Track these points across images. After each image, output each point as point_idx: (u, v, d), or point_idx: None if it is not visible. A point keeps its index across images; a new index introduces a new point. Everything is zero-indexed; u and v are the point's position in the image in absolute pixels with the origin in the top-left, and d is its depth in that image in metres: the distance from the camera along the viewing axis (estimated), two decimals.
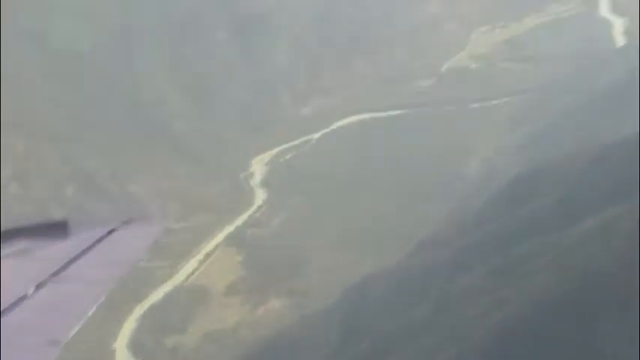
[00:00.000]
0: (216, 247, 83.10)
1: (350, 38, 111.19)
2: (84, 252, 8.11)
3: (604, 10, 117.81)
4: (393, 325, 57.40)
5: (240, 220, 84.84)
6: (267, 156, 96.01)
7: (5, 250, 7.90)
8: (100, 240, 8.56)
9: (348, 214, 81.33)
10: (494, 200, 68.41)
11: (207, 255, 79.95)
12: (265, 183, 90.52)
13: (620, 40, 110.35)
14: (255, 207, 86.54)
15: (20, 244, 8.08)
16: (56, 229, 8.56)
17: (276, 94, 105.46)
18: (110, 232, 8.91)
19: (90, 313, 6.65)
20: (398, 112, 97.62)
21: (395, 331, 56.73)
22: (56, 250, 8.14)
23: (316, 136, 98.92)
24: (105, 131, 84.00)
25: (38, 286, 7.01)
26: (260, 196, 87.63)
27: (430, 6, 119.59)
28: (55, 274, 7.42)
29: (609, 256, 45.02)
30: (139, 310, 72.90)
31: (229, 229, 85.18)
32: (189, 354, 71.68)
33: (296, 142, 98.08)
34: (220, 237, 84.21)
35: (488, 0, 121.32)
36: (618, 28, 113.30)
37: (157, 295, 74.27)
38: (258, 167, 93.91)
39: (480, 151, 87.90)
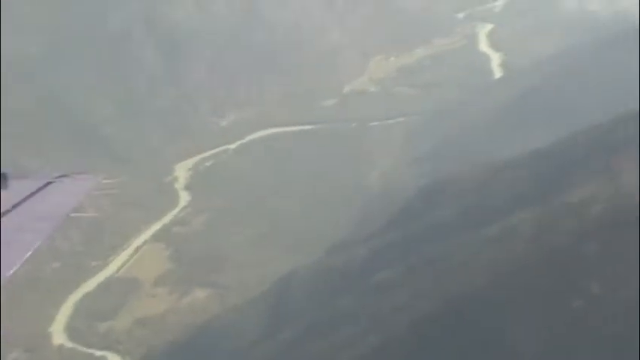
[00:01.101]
0: (145, 242, 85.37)
1: (263, 59, 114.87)
2: (22, 201, 8.58)
3: (483, 45, 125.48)
4: (316, 315, 61.45)
5: (166, 219, 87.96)
6: (189, 162, 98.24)
7: None
8: (37, 191, 9.07)
9: (264, 216, 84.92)
10: (405, 206, 72.99)
11: (137, 249, 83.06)
12: (188, 186, 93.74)
13: (497, 72, 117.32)
14: (179, 207, 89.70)
15: None
16: None
17: (196, 106, 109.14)
18: (47, 185, 9.41)
19: (26, 257, 7.44)
20: (306, 127, 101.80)
21: (318, 321, 60.03)
22: None
23: (233, 146, 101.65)
24: (38, 133, 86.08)
25: None
26: (184, 198, 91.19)
27: (333, 35, 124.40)
28: None
29: (511, 258, 49.05)
30: (73, 298, 74.92)
31: (157, 226, 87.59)
32: (121, 337, 73.96)
33: (215, 151, 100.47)
34: (148, 233, 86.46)
35: (383, 32, 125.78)
36: (496, 60, 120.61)
37: (90, 285, 76.44)
38: (181, 172, 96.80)
39: (380, 163, 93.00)
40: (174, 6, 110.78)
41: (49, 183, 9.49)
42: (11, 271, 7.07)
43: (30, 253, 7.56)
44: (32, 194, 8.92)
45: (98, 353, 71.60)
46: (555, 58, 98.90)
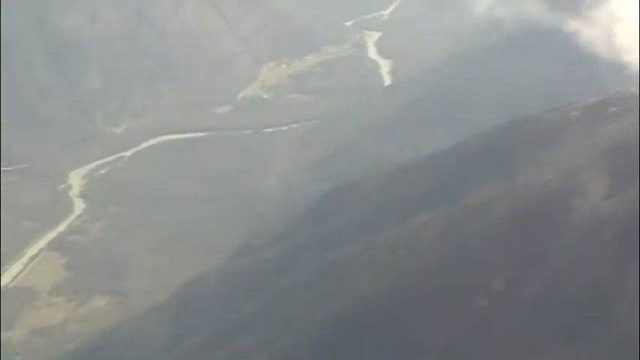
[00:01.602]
0: (40, 251, 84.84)
1: (156, 67, 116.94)
2: None
3: (372, 52, 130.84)
4: (226, 318, 61.28)
5: (61, 227, 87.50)
6: (83, 170, 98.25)
7: None
8: None
9: (163, 221, 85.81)
10: (307, 210, 73.82)
11: (32, 258, 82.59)
12: (83, 194, 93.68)
13: (387, 79, 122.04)
14: (75, 215, 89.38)
15: None
16: None
17: (90, 115, 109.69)
18: None
19: None
20: (200, 134, 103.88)
21: (229, 324, 60.17)
22: None
23: (128, 153, 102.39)
24: None
25: None
26: (79, 206, 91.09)
27: (226, 43, 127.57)
28: None
29: (416, 258, 50.70)
30: None
31: (52, 235, 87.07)
32: (19, 348, 73.02)
33: (110, 159, 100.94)
34: (43, 242, 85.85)
35: (275, 39, 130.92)
36: (385, 68, 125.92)
37: None
38: (75, 180, 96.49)
39: (276, 168, 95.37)
40: (66, 14, 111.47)
41: None
42: None
43: None
44: None
45: None
46: (446, 63, 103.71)
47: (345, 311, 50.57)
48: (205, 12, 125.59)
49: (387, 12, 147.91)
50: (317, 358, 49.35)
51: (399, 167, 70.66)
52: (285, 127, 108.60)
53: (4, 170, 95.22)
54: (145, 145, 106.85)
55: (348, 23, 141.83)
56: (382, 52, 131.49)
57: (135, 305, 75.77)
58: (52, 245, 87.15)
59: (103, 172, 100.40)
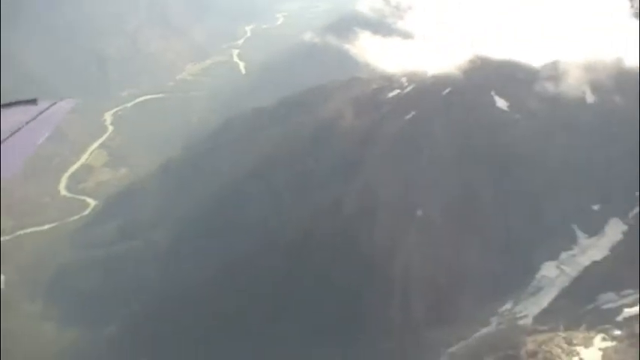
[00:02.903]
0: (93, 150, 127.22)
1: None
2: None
3: (235, 58, 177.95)
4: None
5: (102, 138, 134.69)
6: (111, 112, 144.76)
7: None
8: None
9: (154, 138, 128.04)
10: (212, 133, 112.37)
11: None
12: (113, 123, 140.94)
13: (243, 70, 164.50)
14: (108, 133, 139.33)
15: None
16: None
17: (109, 86, 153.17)
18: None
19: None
20: (162, 94, 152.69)
21: None
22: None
23: (129, 104, 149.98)
24: None
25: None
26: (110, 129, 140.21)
27: (154, 42, 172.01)
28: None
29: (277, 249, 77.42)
30: None
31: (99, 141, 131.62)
32: None
33: (121, 107, 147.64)
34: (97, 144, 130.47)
35: (188, 43, 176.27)
36: (241, 65, 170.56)
37: None
38: (107, 116, 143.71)
39: (196, 112, 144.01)
40: None
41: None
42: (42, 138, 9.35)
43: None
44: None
45: None
46: (275, 61, 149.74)
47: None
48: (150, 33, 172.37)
49: (240, 41, 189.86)
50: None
51: (256, 109, 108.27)
52: (195, 92, 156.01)
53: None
54: (136, 100, 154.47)
55: (223, 45, 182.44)
56: (240, 58, 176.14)
57: None
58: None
59: (120, 113, 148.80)
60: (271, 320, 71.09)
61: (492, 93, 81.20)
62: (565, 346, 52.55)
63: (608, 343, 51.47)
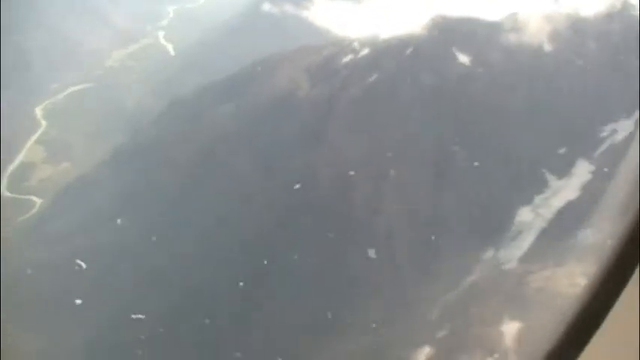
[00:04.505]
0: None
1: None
2: None
3: (162, 40, 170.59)
4: None
5: None
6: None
7: None
8: None
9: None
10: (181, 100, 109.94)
11: None
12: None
13: (172, 51, 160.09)
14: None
15: None
16: None
17: (39, 72, 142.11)
18: None
19: None
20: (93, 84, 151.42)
21: None
22: None
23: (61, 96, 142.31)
24: None
25: None
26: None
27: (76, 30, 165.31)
28: None
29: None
30: None
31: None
32: None
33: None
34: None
35: (111, 28, 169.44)
36: (170, 47, 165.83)
37: None
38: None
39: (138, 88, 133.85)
40: None
41: None
42: None
43: None
44: None
45: None
46: (208, 38, 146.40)
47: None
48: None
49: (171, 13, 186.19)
50: None
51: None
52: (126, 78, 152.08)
53: None
54: (66, 92, 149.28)
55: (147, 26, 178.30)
56: (167, 39, 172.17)
57: None
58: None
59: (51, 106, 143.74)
60: (246, 320, 70.31)
61: (454, 49, 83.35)
62: (566, 280, 54.92)
63: None
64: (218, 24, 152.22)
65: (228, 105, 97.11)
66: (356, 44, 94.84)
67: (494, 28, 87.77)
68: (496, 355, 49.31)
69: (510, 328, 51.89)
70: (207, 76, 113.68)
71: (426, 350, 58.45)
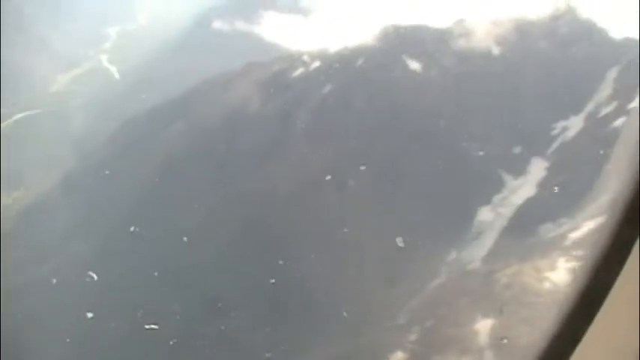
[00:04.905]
0: None
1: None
2: None
3: (106, 63, 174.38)
4: None
5: None
6: None
7: None
8: None
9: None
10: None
11: None
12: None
13: (116, 75, 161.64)
14: None
15: None
16: None
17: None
18: None
19: None
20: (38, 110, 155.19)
21: None
22: None
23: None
24: None
25: None
26: None
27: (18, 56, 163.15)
28: None
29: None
30: None
31: None
32: None
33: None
34: None
35: (54, 53, 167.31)
36: (114, 69, 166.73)
37: None
38: None
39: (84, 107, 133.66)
40: None
41: None
42: None
43: None
44: None
45: None
46: (152, 60, 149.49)
47: None
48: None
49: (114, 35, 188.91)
50: None
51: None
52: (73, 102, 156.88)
53: None
54: (13, 118, 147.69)
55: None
56: (111, 62, 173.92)
57: None
58: None
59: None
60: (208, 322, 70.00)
61: (404, 57, 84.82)
62: (534, 274, 56.42)
63: (574, 264, 55.46)
64: (164, 44, 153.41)
65: (181, 123, 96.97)
66: (306, 57, 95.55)
67: (443, 34, 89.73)
68: (472, 354, 49.69)
69: (484, 326, 52.05)
70: (156, 96, 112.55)
71: (399, 355, 57.83)
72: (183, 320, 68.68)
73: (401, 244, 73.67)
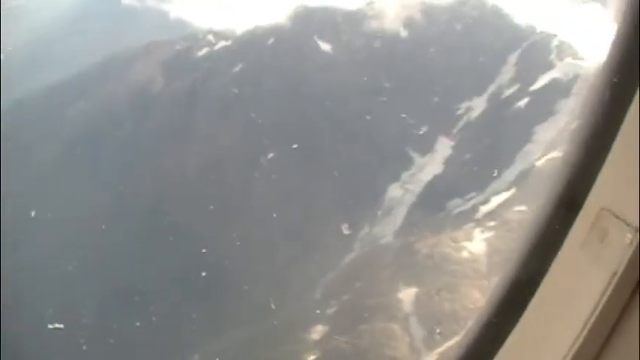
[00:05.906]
0: None
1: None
2: None
3: None
4: None
5: None
6: None
7: None
8: None
9: None
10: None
11: None
12: None
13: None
14: None
15: None
16: None
17: None
18: None
19: None
20: None
21: None
22: None
23: None
24: None
25: None
26: None
27: None
28: None
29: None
30: None
31: None
32: None
33: None
34: None
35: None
36: None
37: None
38: None
39: None
40: None
41: None
42: None
43: None
44: None
45: None
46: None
47: None
48: None
49: None
50: None
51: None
52: None
53: None
54: None
55: None
56: None
57: None
58: None
59: None
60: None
61: (316, 38, 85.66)
62: (452, 244, 59.36)
63: (488, 234, 58.65)
64: (53, 20, 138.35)
65: (82, 103, 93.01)
66: (211, 37, 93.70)
67: (353, 16, 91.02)
68: (398, 321, 51.47)
69: (407, 295, 54.12)
70: (51, 74, 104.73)
71: (319, 328, 58.98)
72: (93, 316, 64.84)
73: (312, 221, 73.43)
